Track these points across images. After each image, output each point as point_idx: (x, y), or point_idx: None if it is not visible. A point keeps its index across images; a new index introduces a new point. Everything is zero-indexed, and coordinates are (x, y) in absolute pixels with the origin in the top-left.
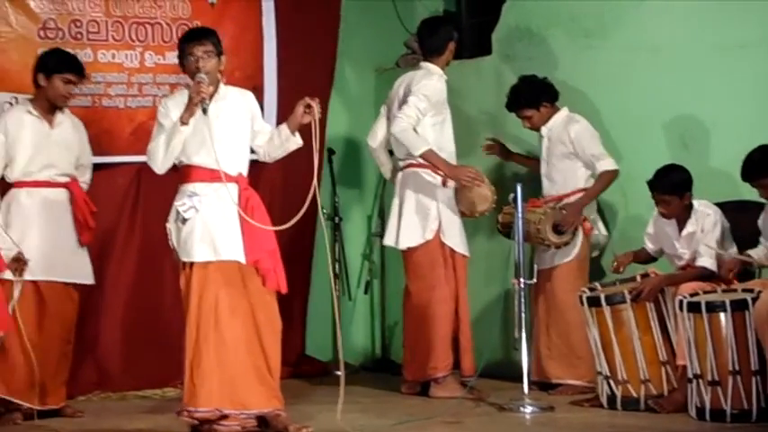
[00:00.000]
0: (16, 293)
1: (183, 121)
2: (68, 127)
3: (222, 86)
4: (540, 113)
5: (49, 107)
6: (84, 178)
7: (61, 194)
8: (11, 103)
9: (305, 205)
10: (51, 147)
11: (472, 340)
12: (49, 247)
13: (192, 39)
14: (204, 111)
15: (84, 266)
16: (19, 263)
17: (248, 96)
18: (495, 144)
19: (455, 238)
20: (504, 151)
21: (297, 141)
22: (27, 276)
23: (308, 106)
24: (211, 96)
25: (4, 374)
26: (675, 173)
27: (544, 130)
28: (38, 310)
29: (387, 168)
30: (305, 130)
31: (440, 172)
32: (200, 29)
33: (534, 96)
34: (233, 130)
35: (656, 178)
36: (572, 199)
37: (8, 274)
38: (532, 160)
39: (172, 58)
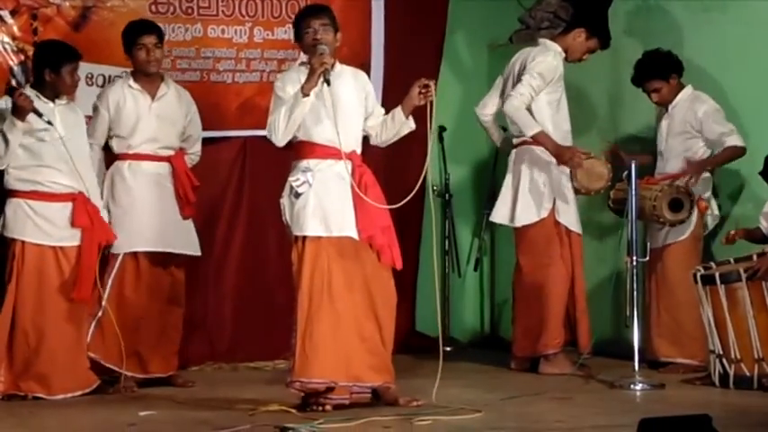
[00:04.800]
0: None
1: (305, 92)
2: (172, 99)
3: (338, 63)
4: (669, 86)
5: (150, 79)
6: (194, 150)
7: (163, 168)
8: (121, 77)
9: (416, 186)
10: (152, 120)
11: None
12: (151, 219)
13: (309, 14)
14: (328, 82)
15: (188, 238)
16: None
17: (362, 76)
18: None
19: (570, 217)
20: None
21: (410, 126)
22: (129, 248)
23: (425, 86)
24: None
25: (100, 342)
26: None
27: (668, 106)
28: (136, 282)
29: (497, 138)
30: (416, 110)
31: None
32: (317, 4)
33: (663, 68)
34: (349, 106)
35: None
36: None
37: (115, 248)
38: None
39: (281, 33)
